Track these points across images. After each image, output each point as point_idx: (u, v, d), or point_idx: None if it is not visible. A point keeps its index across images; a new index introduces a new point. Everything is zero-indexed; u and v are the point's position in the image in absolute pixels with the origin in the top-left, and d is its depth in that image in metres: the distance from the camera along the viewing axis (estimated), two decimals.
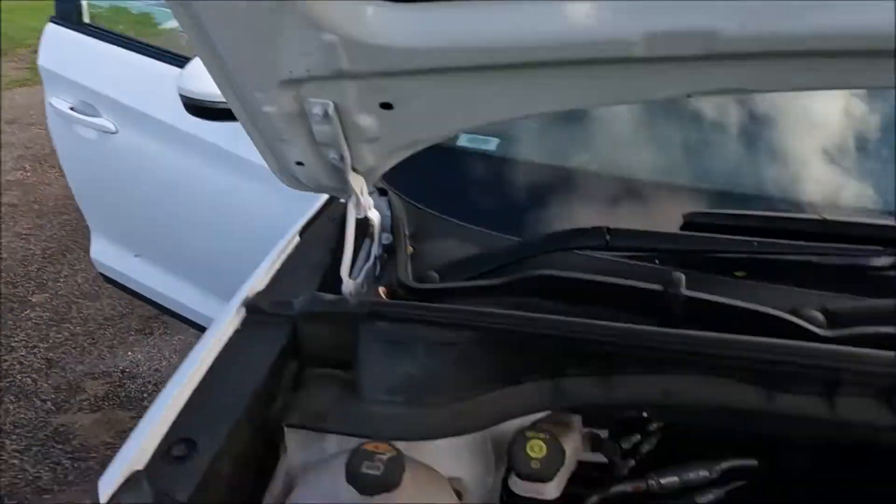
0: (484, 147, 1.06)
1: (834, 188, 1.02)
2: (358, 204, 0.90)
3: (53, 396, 2.49)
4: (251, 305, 0.83)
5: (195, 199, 1.68)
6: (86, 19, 1.81)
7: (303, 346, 0.82)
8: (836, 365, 0.67)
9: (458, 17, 0.57)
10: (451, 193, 1.04)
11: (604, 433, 0.88)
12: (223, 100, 0.77)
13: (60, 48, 1.84)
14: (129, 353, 2.78)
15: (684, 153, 1.03)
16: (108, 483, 0.60)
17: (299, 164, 0.84)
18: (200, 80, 1.19)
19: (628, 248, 0.83)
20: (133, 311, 3.14)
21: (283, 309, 0.82)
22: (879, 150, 1.02)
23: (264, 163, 0.88)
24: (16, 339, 2.82)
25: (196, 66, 1.20)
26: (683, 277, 0.73)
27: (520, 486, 0.77)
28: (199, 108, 1.19)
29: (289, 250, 0.96)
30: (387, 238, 0.99)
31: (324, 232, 1.00)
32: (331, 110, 0.71)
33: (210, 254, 1.74)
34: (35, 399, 2.47)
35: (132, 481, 0.60)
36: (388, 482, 0.60)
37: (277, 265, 0.93)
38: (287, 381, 0.79)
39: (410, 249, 0.97)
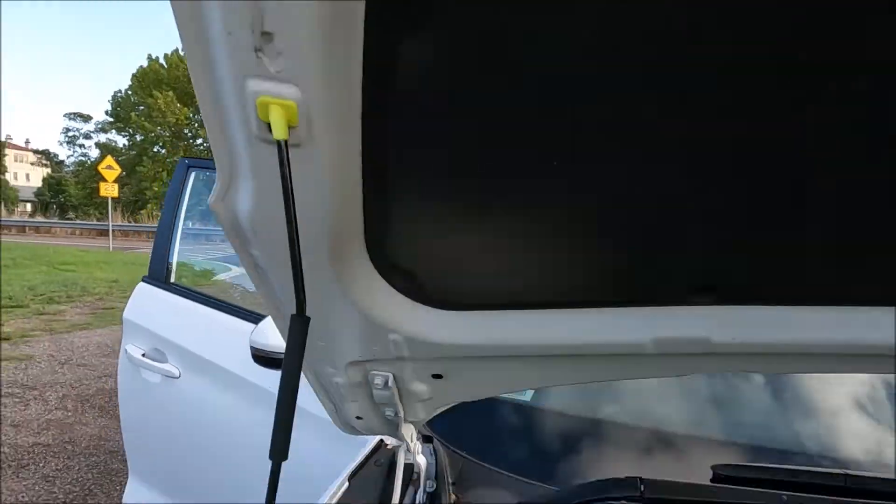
0: (520, 398, 1.17)
1: (860, 444, 1.07)
2: (407, 449, 0.99)
3: None
4: None
5: (247, 448, 1.75)
6: (172, 279, 2.13)
7: None
8: None
9: (494, 322, 0.73)
10: (491, 442, 1.12)
11: None
12: None
13: (145, 303, 2.13)
14: None
15: (710, 407, 1.12)
16: None
17: (359, 418, 0.96)
18: (270, 335, 1.39)
19: (661, 500, 0.88)
20: None
21: None
22: None
23: (322, 413, 1.00)
24: None
25: (266, 323, 1.41)
26: None
27: None
28: (265, 359, 1.36)
29: (339, 496, 1.02)
30: (430, 485, 1.04)
31: (371, 477, 1.07)
32: (390, 381, 0.85)
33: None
34: None
35: None
36: None
37: None
38: None
39: (453, 498, 1.02)
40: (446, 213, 0.64)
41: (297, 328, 0.53)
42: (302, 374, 0.97)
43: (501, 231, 0.65)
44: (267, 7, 0.41)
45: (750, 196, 0.57)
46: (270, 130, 0.48)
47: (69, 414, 4.90)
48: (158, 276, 2.12)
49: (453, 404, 0.93)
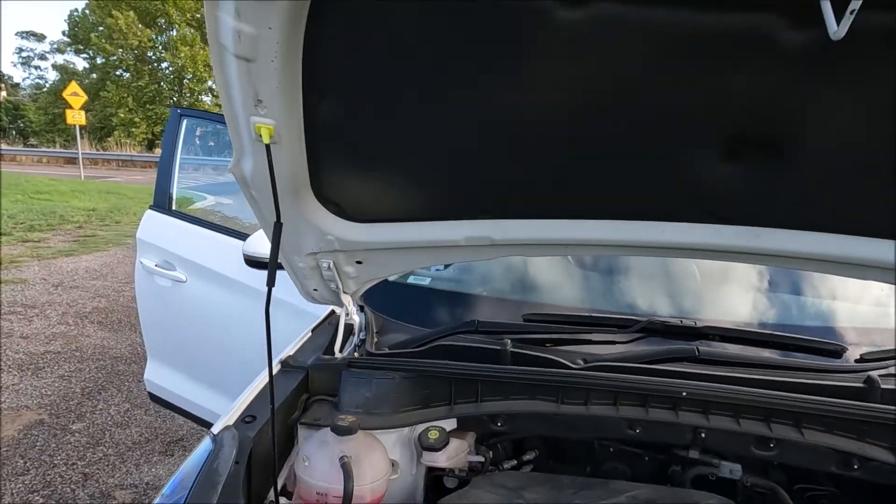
0: (421, 283, 1.81)
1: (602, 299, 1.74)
2: (347, 313, 1.63)
3: (89, 502, 2.96)
4: (284, 362, 1.51)
5: (240, 330, 2.39)
6: (174, 207, 2.70)
7: (311, 385, 1.49)
8: (579, 382, 1.35)
9: (387, 229, 1.34)
10: (401, 308, 1.77)
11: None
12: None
13: (153, 226, 2.69)
14: (153, 470, 3.28)
15: (524, 282, 1.78)
16: (215, 429, 1.25)
17: (315, 290, 1.58)
18: (256, 246, 1.99)
19: (488, 331, 1.53)
20: (157, 437, 3.67)
21: (302, 364, 1.50)
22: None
23: (294, 301, 1.62)
24: (58, 458, 3.34)
25: (253, 237, 2.01)
26: (509, 341, 1.43)
27: (425, 458, 1.39)
28: (254, 263, 1.97)
29: (306, 338, 1.67)
30: (362, 335, 1.68)
31: (326, 329, 1.71)
32: (331, 265, 1.46)
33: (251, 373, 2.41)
34: None
35: (226, 429, 1.25)
36: (350, 430, 1.24)
37: (299, 345, 1.63)
38: (301, 403, 1.45)
39: (375, 339, 1.67)
40: (353, 171, 1.24)
41: (277, 229, 1.13)
42: (286, 277, 1.56)
43: (383, 180, 1.25)
44: (259, 90, 0.99)
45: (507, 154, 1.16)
46: (261, 137, 1.06)
47: (71, 328, 5.51)
48: (162, 204, 2.68)
49: (372, 281, 1.56)
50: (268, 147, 1.06)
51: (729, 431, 1.32)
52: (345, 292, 1.56)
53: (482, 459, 1.47)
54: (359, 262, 1.46)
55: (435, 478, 1.48)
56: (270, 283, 1.08)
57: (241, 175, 1.18)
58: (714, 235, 1.19)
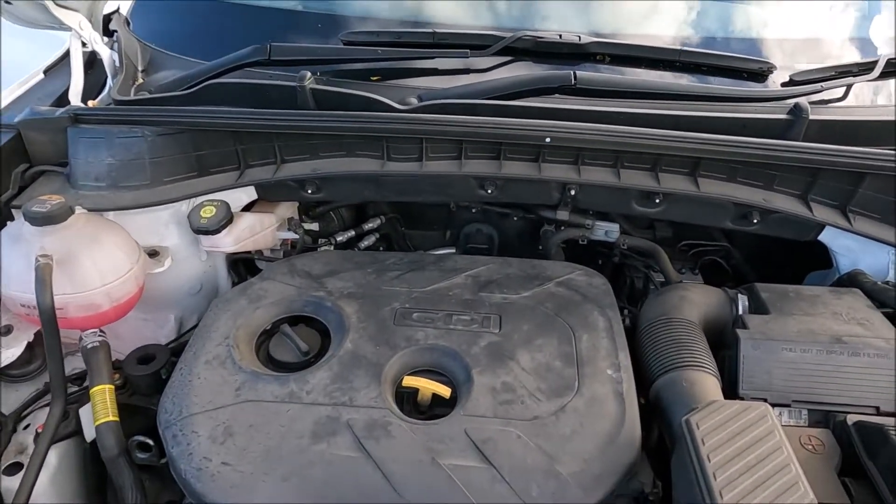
0: None
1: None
2: (79, 37, 1.08)
3: None
4: None
5: None
6: None
7: (32, 151, 1.02)
8: (410, 128, 0.94)
9: None
10: (184, 35, 1.22)
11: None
12: None
13: None
14: None
15: None
16: None
17: (7, 2, 1.01)
18: None
19: (288, 62, 1.05)
20: None
21: (9, 120, 1.01)
22: None
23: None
24: None
25: None
26: (308, 74, 0.97)
27: (203, 242, 1.02)
28: None
29: (32, 83, 1.14)
30: (115, 76, 1.16)
31: (65, 70, 1.18)
32: None
33: None
34: None
35: None
36: (50, 217, 0.83)
37: (18, 93, 1.11)
38: (16, 177, 1.00)
39: (140, 81, 1.16)
40: None
41: None
42: None
43: None
44: None
45: None
46: None
47: None
48: None
49: None
50: None
51: (606, 187, 0.99)
52: (58, 4, 1.00)
53: (295, 236, 1.13)
54: None
55: (246, 261, 1.15)
56: None
57: None
58: None
